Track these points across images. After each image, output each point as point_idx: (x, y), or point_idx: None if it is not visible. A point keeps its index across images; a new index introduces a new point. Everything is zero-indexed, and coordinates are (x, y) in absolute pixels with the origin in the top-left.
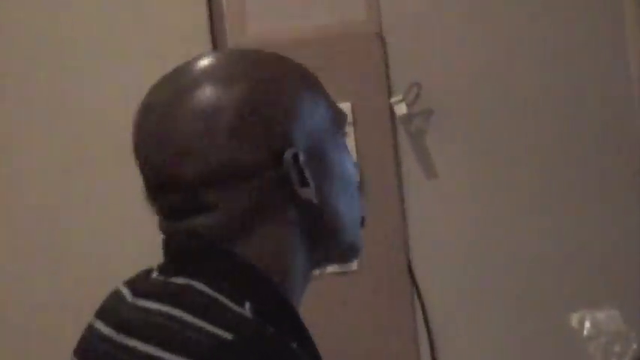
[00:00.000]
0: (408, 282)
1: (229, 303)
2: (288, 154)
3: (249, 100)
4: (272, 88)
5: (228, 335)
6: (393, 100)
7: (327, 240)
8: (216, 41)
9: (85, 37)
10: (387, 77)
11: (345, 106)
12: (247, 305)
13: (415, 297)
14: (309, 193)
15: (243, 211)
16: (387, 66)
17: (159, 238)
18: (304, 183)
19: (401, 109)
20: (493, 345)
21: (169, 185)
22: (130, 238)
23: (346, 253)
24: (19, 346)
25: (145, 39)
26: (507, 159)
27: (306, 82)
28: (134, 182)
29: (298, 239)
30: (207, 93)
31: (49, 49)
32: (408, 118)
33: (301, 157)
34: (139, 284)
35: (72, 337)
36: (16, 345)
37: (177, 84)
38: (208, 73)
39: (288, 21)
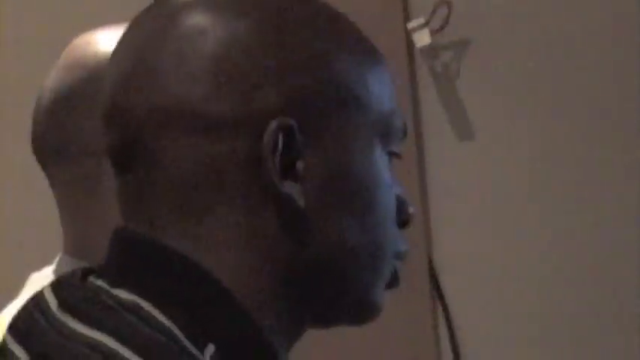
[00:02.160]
0: (427, 287)
1: (185, 341)
2: (275, 125)
3: (262, 27)
4: (297, 26)
5: None
6: (411, 24)
7: (318, 282)
8: None
9: None
10: None
11: None
12: (210, 348)
13: (437, 304)
14: (294, 189)
15: (188, 177)
16: None
17: None
18: (288, 174)
19: (423, 39)
20: None
21: (116, 115)
22: None
23: (351, 311)
24: None
25: None
26: (573, 113)
27: (361, 45)
28: None
29: (271, 265)
30: (201, 16)
31: None
32: (433, 50)
33: (299, 137)
34: (69, 292)
35: None
36: None
37: (170, 7)
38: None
39: None
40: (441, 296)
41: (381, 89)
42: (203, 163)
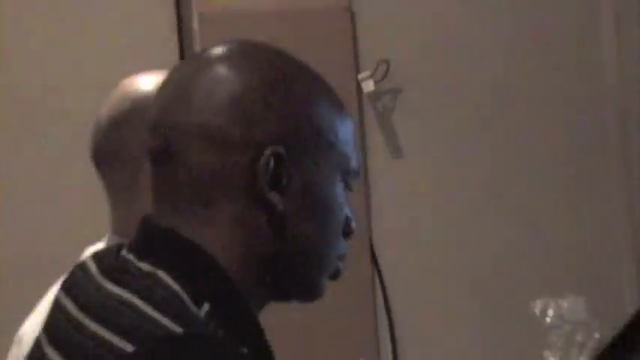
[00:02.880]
0: (368, 264)
1: (188, 301)
2: (269, 151)
3: (268, 82)
4: (293, 84)
5: (178, 329)
6: (360, 76)
7: (283, 266)
8: (180, 11)
9: (40, 2)
10: (356, 53)
11: None
12: (206, 306)
13: (376, 277)
14: (276, 198)
15: (204, 177)
16: (355, 41)
17: None
18: (274, 187)
19: (368, 86)
20: (454, 329)
21: (161, 126)
22: None
23: (297, 292)
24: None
25: (105, 7)
26: (476, 141)
27: (335, 105)
28: None
29: (252, 249)
30: (226, 68)
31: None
32: (376, 95)
33: (286, 162)
34: (108, 262)
35: None
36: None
37: (204, 59)
38: (231, 57)
39: None
40: (380, 276)
41: (346, 138)
42: (216, 169)
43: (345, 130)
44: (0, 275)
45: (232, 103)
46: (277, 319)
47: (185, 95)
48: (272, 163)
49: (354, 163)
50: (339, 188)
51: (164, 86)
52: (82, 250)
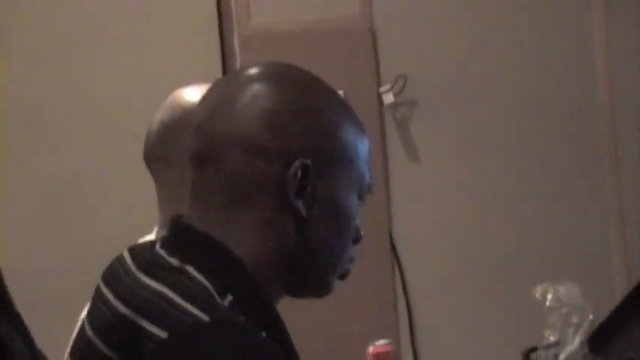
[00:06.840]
0: (389, 254)
1: (214, 293)
2: (298, 162)
3: (302, 103)
4: (323, 107)
5: (205, 317)
6: (381, 89)
7: (299, 264)
8: (223, 32)
9: (100, 25)
10: (377, 68)
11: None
12: (228, 297)
13: (396, 269)
14: (301, 205)
15: (239, 180)
16: (377, 58)
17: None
18: (300, 195)
19: (388, 98)
20: (467, 313)
21: (203, 132)
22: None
23: (310, 288)
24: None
25: (157, 28)
26: (483, 146)
27: (356, 127)
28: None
29: (274, 249)
30: (262, 86)
31: (75, 36)
32: (395, 106)
33: (312, 174)
34: (142, 257)
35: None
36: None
37: (244, 77)
38: (271, 76)
39: (288, 15)
40: (399, 267)
41: (364, 157)
42: (250, 175)
43: (364, 150)
44: (83, 261)
45: (270, 117)
46: (302, 310)
47: (229, 106)
48: (299, 173)
49: (368, 179)
50: (354, 200)
51: (209, 95)
52: (135, 240)
